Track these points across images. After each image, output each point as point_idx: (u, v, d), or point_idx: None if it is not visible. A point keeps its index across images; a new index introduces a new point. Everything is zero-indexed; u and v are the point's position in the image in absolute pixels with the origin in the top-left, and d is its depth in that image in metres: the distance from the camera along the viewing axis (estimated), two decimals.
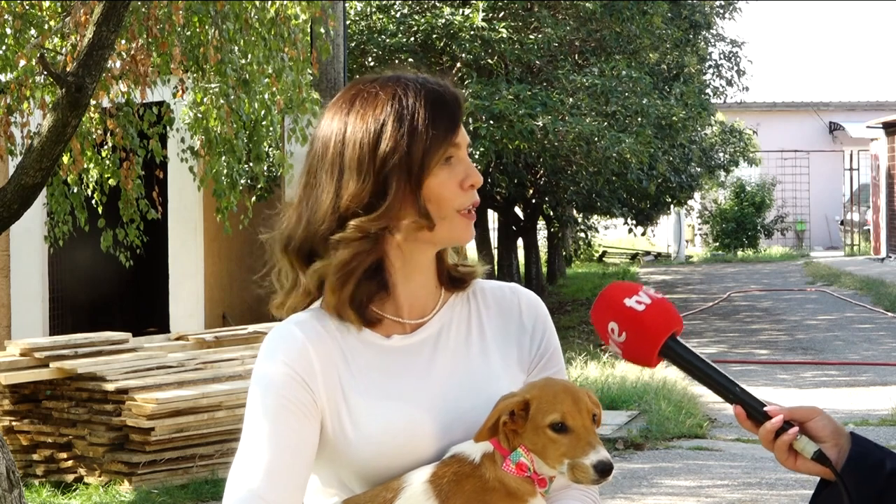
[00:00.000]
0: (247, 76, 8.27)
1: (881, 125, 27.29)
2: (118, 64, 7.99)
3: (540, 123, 13.42)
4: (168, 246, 12.80)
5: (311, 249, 2.02)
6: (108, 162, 8.97)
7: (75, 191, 8.99)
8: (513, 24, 14.56)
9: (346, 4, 11.89)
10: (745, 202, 30.99)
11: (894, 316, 16.73)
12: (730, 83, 20.64)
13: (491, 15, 14.60)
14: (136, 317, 14.43)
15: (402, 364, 2.03)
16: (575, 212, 23.59)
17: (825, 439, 1.88)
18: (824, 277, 22.75)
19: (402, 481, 1.94)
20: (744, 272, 25.56)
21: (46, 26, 8.04)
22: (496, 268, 18.32)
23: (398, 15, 14.78)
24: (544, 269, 22.23)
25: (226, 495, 1.95)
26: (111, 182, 9.04)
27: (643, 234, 26.62)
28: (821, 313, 17.52)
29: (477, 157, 13.49)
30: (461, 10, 14.44)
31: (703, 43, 19.50)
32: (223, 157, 8.55)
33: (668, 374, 10.58)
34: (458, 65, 14.62)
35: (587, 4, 14.79)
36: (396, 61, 14.04)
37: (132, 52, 7.72)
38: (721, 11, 20.75)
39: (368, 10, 14.87)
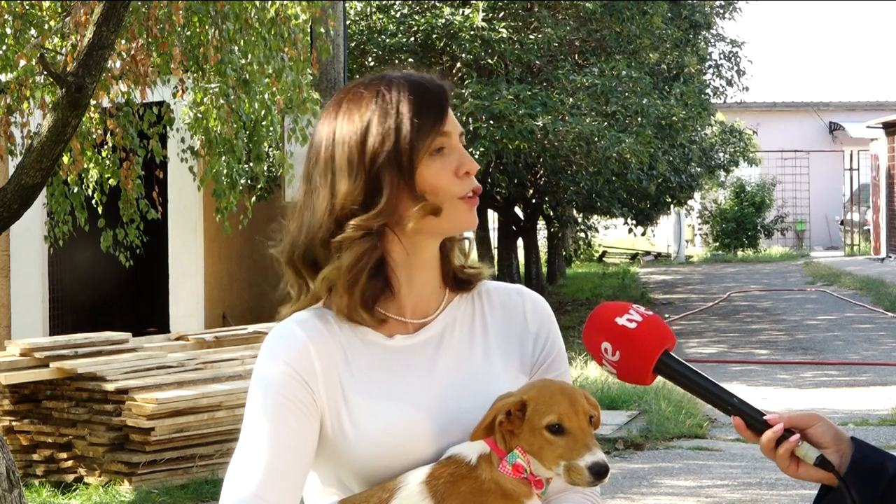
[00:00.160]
0: (247, 76, 8.26)
1: (881, 125, 27.29)
2: (118, 64, 7.98)
3: (540, 123, 13.42)
4: (168, 246, 12.79)
5: (314, 256, 2.02)
6: (108, 162, 8.97)
7: (75, 191, 8.99)
8: (513, 24, 14.56)
9: (346, 4, 11.89)
10: (745, 202, 30.99)
11: (894, 316, 16.73)
12: (730, 83, 20.64)
13: (491, 15, 14.60)
14: (136, 317, 14.43)
15: (404, 364, 2.03)
16: (575, 212, 23.59)
17: (826, 445, 1.87)
18: (824, 277, 22.75)
19: (398, 482, 1.93)
20: (744, 272, 25.56)
21: (46, 26, 8.04)
22: (496, 268, 18.31)
23: (398, 15, 14.78)
24: (544, 269, 22.23)
25: (223, 493, 1.94)
26: (111, 182, 9.04)
27: (643, 234, 26.62)
28: (821, 313, 17.52)
29: (477, 157, 13.48)
30: (461, 10, 14.44)
31: (703, 43, 19.51)
32: (223, 157, 8.55)
33: None
34: (458, 65, 14.62)
35: (587, 4, 14.79)
36: (396, 61, 14.04)
37: (132, 52, 7.72)
38: (721, 11, 20.75)
39: (368, 10, 14.87)
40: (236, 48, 8.24)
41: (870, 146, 29.43)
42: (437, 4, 14.92)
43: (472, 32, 14.02)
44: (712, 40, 20.61)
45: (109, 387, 7.66)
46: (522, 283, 17.62)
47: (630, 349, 1.91)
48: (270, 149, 10.67)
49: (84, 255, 13.18)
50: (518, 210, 19.71)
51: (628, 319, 1.92)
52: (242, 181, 9.83)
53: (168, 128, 9.16)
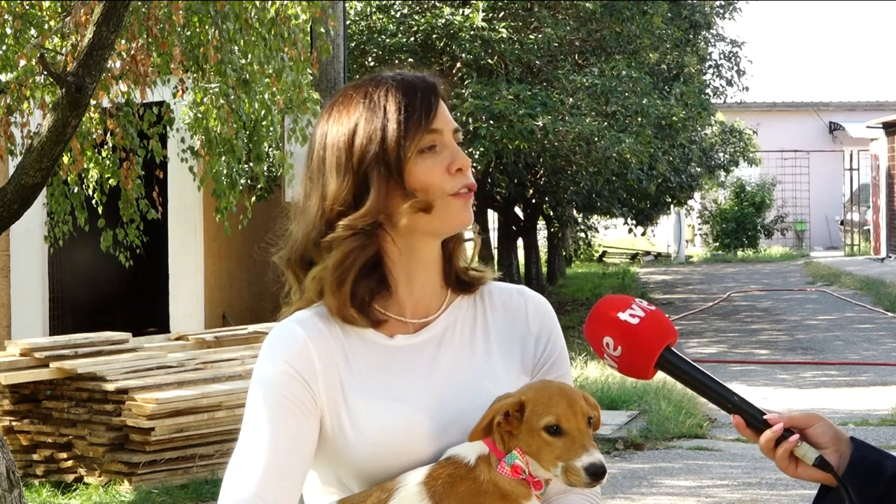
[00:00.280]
0: (247, 76, 8.26)
1: (881, 125, 27.29)
2: (118, 64, 7.98)
3: (540, 123, 13.42)
4: (168, 246, 12.79)
5: (309, 257, 2.04)
6: (108, 162, 8.97)
7: (75, 191, 8.99)
8: (513, 24, 14.56)
9: (346, 4, 11.89)
10: (745, 202, 30.99)
11: (894, 316, 16.73)
12: (730, 83, 20.64)
13: (491, 15, 14.59)
14: (136, 317, 14.43)
15: (405, 364, 2.03)
16: (575, 212, 23.59)
17: (826, 445, 1.87)
18: (824, 277, 22.75)
19: (396, 482, 1.93)
20: (744, 272, 25.56)
21: (46, 26, 8.04)
22: (496, 268, 18.28)
23: (398, 15, 14.77)
24: (544, 269, 22.23)
25: (223, 492, 1.94)
26: (111, 182, 9.04)
27: (643, 234, 26.62)
28: (821, 313, 17.52)
29: (477, 157, 13.49)
30: (461, 10, 14.44)
31: (703, 43, 19.50)
32: (223, 157, 8.55)
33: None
34: (458, 65, 14.62)
35: (587, 4, 14.79)
36: (396, 61, 14.04)
37: (132, 52, 7.72)
38: (721, 11, 20.75)
39: (368, 10, 14.87)
40: (236, 48, 8.24)
41: (870, 146, 29.43)
42: (437, 4, 14.92)
43: (472, 32, 14.02)
44: (712, 40, 20.61)
45: (109, 387, 7.66)
46: (522, 283, 17.63)
47: (632, 344, 1.91)
48: (270, 149, 10.67)
49: (84, 255, 13.18)
50: (518, 210, 19.71)
51: (631, 314, 1.92)
52: (242, 181, 9.83)
53: (168, 128, 9.16)
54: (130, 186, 8.61)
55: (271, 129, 8.99)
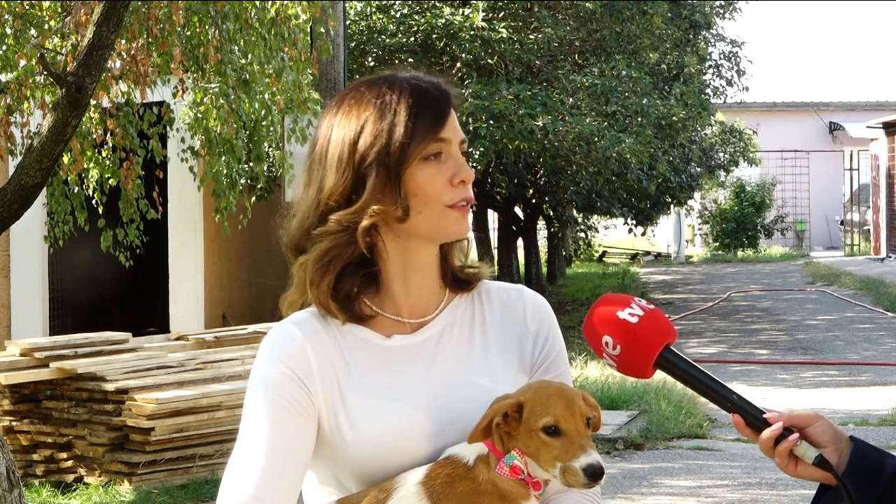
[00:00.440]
0: (247, 76, 8.26)
1: (881, 125, 27.29)
2: (118, 64, 7.98)
3: (540, 123, 13.42)
4: (168, 246, 12.79)
5: (302, 245, 2.05)
6: (108, 162, 8.97)
7: (75, 191, 8.99)
8: (513, 24, 14.56)
9: (346, 4, 11.89)
10: (745, 202, 30.99)
11: (894, 316, 16.73)
12: (730, 83, 20.64)
13: (491, 15, 14.59)
14: (136, 317, 14.42)
15: (402, 364, 2.03)
16: (575, 212, 23.59)
17: (825, 444, 1.87)
18: (824, 277, 22.75)
19: (395, 482, 1.93)
20: (744, 272, 25.56)
21: (46, 26, 8.04)
22: (496, 268, 18.31)
23: (398, 15, 14.77)
24: (544, 269, 22.23)
25: (221, 493, 1.95)
26: (111, 182, 9.04)
27: (643, 234, 26.62)
28: (821, 313, 17.52)
29: (477, 157, 13.49)
30: (461, 10, 14.44)
31: (703, 43, 19.50)
32: (223, 157, 8.55)
33: (667, 374, 10.56)
34: (458, 65, 14.62)
35: (587, 4, 14.79)
36: (396, 61, 14.04)
37: (132, 52, 7.72)
38: (721, 11, 20.74)
39: (368, 10, 14.87)
40: (236, 48, 8.24)
41: (870, 146, 29.43)
42: (437, 4, 14.92)
43: (472, 32, 14.02)
44: (712, 40, 20.60)
45: (109, 387, 7.66)
46: (522, 283, 17.54)
47: (631, 344, 1.91)
48: (270, 149, 10.67)
49: (84, 255, 13.18)
50: (518, 210, 19.71)
51: (630, 313, 1.92)
52: (242, 181, 9.83)
53: (168, 128, 9.16)
54: (130, 186, 8.61)
55: (271, 129, 8.99)
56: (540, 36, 14.47)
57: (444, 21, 14.22)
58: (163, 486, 7.49)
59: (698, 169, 20.76)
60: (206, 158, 8.66)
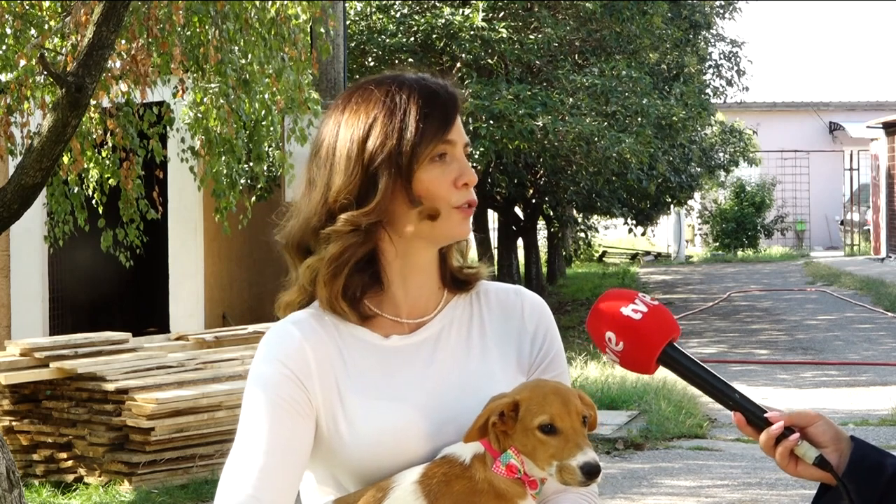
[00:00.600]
0: (247, 76, 8.26)
1: (881, 125, 27.29)
2: (118, 64, 7.98)
3: (540, 123, 13.42)
4: (168, 246, 12.79)
5: (306, 244, 2.04)
6: (108, 162, 8.96)
7: (75, 191, 8.99)
8: (513, 24, 14.56)
9: (346, 4, 11.89)
10: (745, 202, 30.99)
11: (894, 316, 16.73)
12: (730, 83, 20.64)
13: (491, 15, 14.59)
14: (136, 317, 14.43)
15: (400, 364, 2.03)
16: (575, 212, 23.60)
17: (826, 444, 1.88)
18: (824, 277, 22.75)
19: (392, 481, 1.94)
20: (744, 272, 25.56)
21: (46, 26, 8.03)
22: (496, 268, 18.31)
23: (398, 15, 14.77)
24: (544, 269, 22.23)
25: (219, 493, 1.95)
26: (111, 182, 9.03)
27: (643, 234, 26.62)
28: (821, 313, 17.51)
29: (477, 157, 13.48)
30: (461, 10, 14.44)
31: (703, 43, 19.50)
32: (223, 157, 8.54)
33: (668, 373, 10.53)
34: (458, 65, 14.61)
35: (587, 4, 14.79)
36: (396, 61, 14.04)
37: (132, 52, 7.72)
38: (721, 11, 20.74)
39: (368, 10, 14.86)
40: (236, 48, 8.24)
41: (870, 146, 29.43)
42: (437, 4, 14.91)
43: (472, 32, 14.02)
44: (712, 40, 20.60)
45: (109, 387, 7.66)
46: (522, 283, 17.60)
47: (634, 340, 1.91)
48: (270, 149, 10.67)
49: (84, 255, 13.18)
50: (518, 210, 19.71)
51: (633, 310, 1.92)
52: (242, 181, 9.83)
53: (168, 128, 9.16)
54: (130, 186, 8.61)
55: (271, 129, 8.99)
56: (540, 36, 14.46)
57: (444, 21, 14.22)
58: (163, 486, 7.49)
59: (698, 169, 20.77)
60: (206, 158, 8.66)
